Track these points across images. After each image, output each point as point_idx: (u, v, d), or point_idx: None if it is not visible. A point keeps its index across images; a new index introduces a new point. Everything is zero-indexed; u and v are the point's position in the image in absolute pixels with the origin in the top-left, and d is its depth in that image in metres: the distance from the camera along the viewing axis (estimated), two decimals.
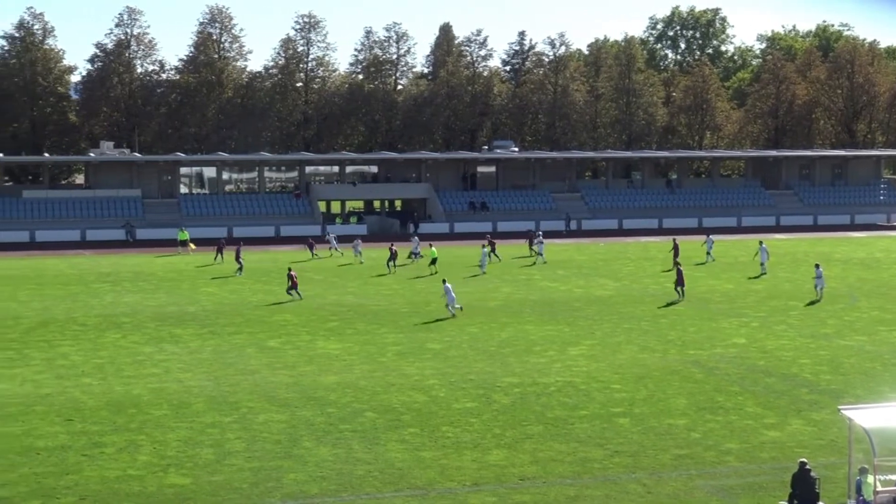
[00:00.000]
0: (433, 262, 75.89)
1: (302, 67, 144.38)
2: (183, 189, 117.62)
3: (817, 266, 64.39)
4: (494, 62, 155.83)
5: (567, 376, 43.25)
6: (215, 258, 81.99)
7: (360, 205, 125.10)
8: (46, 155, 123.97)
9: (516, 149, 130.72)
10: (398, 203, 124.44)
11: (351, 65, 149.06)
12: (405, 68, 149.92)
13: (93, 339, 51.57)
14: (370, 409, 38.05)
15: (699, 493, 29.39)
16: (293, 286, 63.36)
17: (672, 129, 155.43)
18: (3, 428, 35.68)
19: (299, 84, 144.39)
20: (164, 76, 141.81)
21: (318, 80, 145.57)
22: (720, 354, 47.37)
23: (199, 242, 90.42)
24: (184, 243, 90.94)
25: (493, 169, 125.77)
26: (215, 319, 56.61)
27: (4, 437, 34.64)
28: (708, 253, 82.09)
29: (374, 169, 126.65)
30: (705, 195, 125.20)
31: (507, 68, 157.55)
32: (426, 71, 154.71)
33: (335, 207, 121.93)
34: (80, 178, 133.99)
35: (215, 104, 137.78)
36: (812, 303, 61.08)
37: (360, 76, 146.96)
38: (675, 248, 78.53)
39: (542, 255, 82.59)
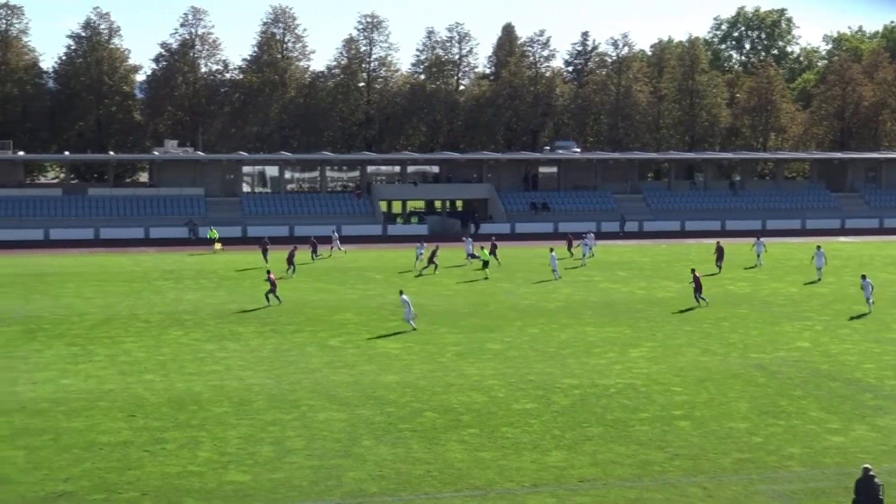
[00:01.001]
0: (485, 265, 75.03)
1: (364, 67, 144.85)
2: (245, 188, 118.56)
3: (864, 276, 61.00)
4: (557, 63, 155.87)
5: (627, 378, 43.04)
6: (265, 259, 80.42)
7: (421, 205, 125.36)
8: (111, 153, 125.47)
9: (578, 149, 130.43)
10: (459, 203, 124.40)
11: (413, 65, 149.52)
12: (467, 68, 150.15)
13: (155, 336, 52.05)
14: (430, 409, 38.07)
15: (760, 498, 29.11)
16: (272, 290, 60.83)
17: (736, 131, 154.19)
18: (68, 423, 36.10)
19: (361, 84, 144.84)
20: (227, 76, 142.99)
21: (380, 79, 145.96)
22: (783, 358, 46.92)
23: (235, 242, 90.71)
24: (212, 241, 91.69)
25: (554, 170, 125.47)
26: (276, 318, 56.91)
27: (69, 431, 35.04)
28: (758, 256, 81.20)
29: (436, 169, 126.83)
30: (769, 197, 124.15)
31: (570, 69, 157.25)
32: (488, 71, 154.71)
33: (396, 207, 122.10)
34: (144, 177, 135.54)
35: (278, 104, 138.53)
36: (860, 315, 59.73)
37: (422, 76, 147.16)
38: (720, 251, 77.72)
39: (585, 255, 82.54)
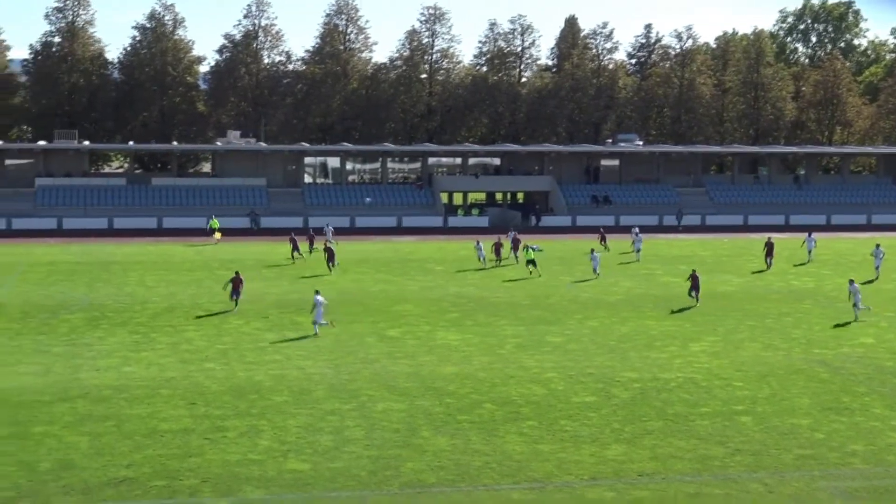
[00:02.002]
0: (530, 262, 71.33)
1: (426, 59, 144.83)
2: (307, 179, 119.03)
3: (851, 282, 56.97)
4: (620, 55, 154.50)
5: (688, 372, 42.82)
6: (310, 250, 79.88)
7: (482, 197, 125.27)
8: (175, 143, 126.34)
9: (640, 142, 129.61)
10: (520, 195, 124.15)
11: (475, 57, 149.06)
12: (529, 60, 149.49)
13: (216, 325, 52.46)
14: (489, 401, 38.09)
15: (822, 495, 28.85)
16: (235, 291, 56.82)
17: (801, 125, 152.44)
18: (130, 410, 36.50)
19: (423, 76, 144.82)
20: (290, 67, 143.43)
21: (442, 71, 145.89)
22: (846, 354, 46.45)
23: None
24: (212, 231, 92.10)
25: (616, 162, 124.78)
26: (336, 308, 57.10)
27: (131, 418, 35.43)
28: (809, 252, 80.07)
29: (497, 161, 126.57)
30: (834, 192, 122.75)
31: (633, 61, 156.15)
32: (550, 63, 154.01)
33: (457, 199, 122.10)
34: (207, 167, 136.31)
35: (340, 95, 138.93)
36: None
37: (484, 68, 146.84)
38: (769, 247, 76.57)
39: (638, 251, 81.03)
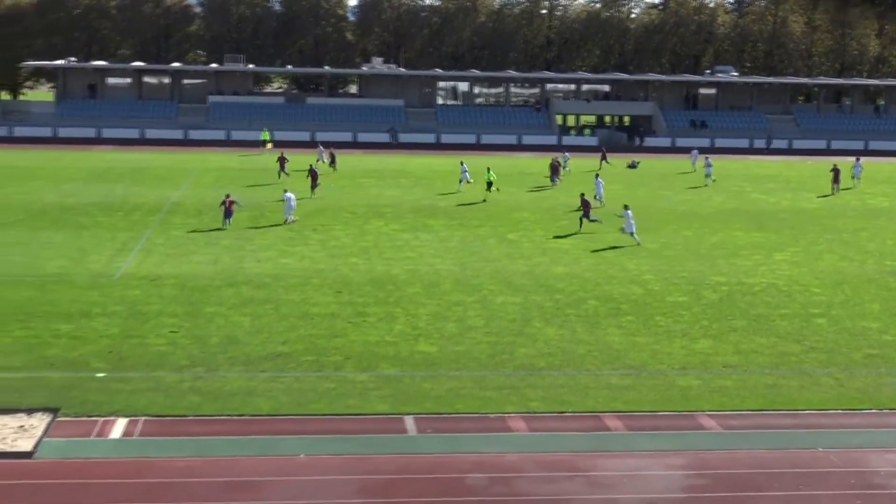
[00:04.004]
0: (489, 185, 64.43)
1: None
2: (439, 100, 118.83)
3: (626, 207, 51.53)
4: None
5: (770, 279, 42.18)
6: (331, 165, 76.27)
7: (592, 119, 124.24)
8: (326, 68, 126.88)
9: (735, 73, 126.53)
10: (626, 119, 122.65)
11: None
12: None
13: (359, 226, 53.01)
14: (593, 298, 38.04)
15: (887, 390, 28.36)
16: (228, 213, 51.76)
17: (883, 59, 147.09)
18: (286, 295, 37.24)
19: (544, 11, 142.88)
20: (427, 2, 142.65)
21: (560, 7, 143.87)
22: None
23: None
24: (264, 143, 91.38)
25: (713, 91, 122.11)
26: (463, 213, 57.33)
27: (287, 303, 36.16)
28: (853, 177, 74.59)
29: (607, 88, 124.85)
30: None
31: (732, 0, 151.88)
32: (657, 1, 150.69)
33: (570, 121, 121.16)
34: (353, 88, 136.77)
35: (470, 27, 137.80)
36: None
37: (598, 5, 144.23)
38: (836, 173, 70.91)
39: (709, 176, 74.32)
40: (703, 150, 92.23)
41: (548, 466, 22.71)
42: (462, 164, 71.31)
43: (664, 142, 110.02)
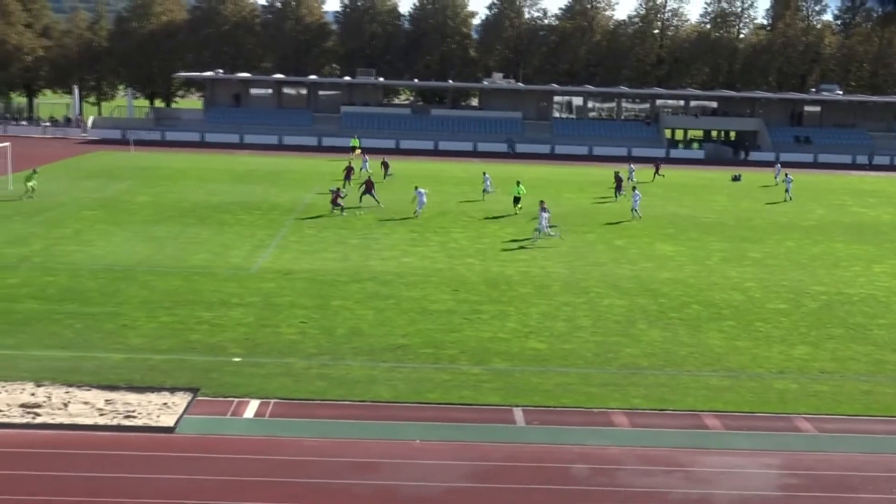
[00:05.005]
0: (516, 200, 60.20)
1: (659, 17, 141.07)
2: (555, 114, 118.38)
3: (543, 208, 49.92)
4: (827, 16, 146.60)
5: (870, 289, 40.95)
6: (385, 174, 74.83)
7: (699, 133, 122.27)
8: (450, 82, 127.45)
9: (840, 92, 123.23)
10: (732, 134, 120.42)
11: (701, 16, 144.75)
12: (747, 20, 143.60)
13: (477, 229, 53.08)
14: (696, 303, 37.44)
15: None
16: (335, 202, 53.54)
17: None
18: (407, 292, 37.49)
19: (656, 31, 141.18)
20: (545, 21, 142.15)
21: (672, 28, 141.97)
22: None
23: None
24: (353, 149, 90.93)
25: (818, 109, 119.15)
26: (572, 220, 56.98)
27: (407, 299, 36.40)
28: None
29: (714, 104, 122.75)
30: None
31: (839, 22, 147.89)
32: (765, 22, 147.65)
33: (678, 135, 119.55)
34: (474, 101, 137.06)
35: (585, 46, 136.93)
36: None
37: (708, 26, 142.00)
38: None
39: (788, 191, 70.86)
40: (802, 166, 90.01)
41: (648, 460, 22.43)
42: (485, 174, 69.32)
43: (768, 156, 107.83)
